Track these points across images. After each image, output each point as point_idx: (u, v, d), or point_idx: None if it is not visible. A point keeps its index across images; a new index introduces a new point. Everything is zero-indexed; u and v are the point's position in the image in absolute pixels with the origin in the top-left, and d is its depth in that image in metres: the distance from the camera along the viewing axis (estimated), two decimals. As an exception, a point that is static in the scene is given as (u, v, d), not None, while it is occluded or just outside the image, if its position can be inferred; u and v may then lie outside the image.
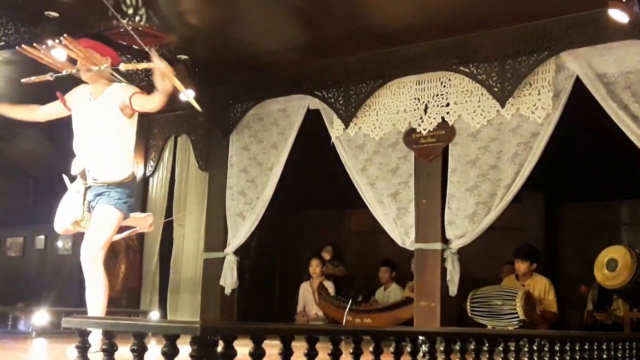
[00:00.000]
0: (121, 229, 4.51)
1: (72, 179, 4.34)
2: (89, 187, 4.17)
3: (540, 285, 6.91)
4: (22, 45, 4.31)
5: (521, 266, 6.87)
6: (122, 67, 4.21)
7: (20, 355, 4.16)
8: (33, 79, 4.26)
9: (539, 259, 7.09)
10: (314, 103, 7.44)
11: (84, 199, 4.17)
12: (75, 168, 4.26)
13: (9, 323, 6.96)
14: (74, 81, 4.40)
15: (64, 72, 4.23)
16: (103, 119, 4.17)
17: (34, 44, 4.32)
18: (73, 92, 4.38)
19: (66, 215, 4.23)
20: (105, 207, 4.13)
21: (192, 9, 6.34)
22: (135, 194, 8.85)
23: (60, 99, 4.35)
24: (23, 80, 4.31)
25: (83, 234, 4.23)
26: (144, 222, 4.84)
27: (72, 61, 4.25)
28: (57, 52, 6.07)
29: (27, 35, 6.14)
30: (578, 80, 6.08)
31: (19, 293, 9.52)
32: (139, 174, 8.88)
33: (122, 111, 4.17)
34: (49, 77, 4.23)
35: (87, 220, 4.19)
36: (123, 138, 4.23)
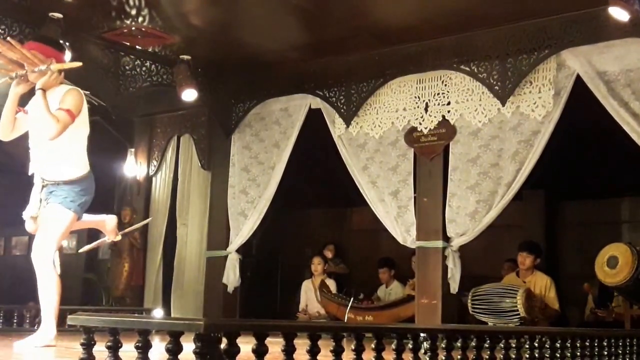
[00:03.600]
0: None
1: None
2: (45, 185, 4.24)
3: (541, 283, 6.93)
4: None
5: (526, 260, 6.88)
6: (53, 67, 4.20)
7: (25, 352, 4.19)
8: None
9: (542, 254, 7.12)
10: (316, 102, 7.47)
11: (40, 198, 4.25)
12: (30, 168, 4.34)
13: (15, 321, 7.00)
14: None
15: (15, 74, 4.23)
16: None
17: None
18: (31, 101, 4.38)
19: (26, 212, 4.32)
20: (53, 206, 4.20)
21: (194, 9, 6.37)
22: (139, 194, 8.96)
23: (23, 111, 4.37)
24: None
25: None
26: (104, 226, 4.77)
27: (21, 63, 4.24)
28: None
29: (32, 36, 6.17)
30: (579, 79, 6.10)
31: (24, 291, 9.55)
32: (142, 174, 8.93)
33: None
34: (9, 79, 4.25)
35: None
36: (70, 138, 4.19)
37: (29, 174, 4.35)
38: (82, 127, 4.30)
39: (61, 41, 4.89)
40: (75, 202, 4.24)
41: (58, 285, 4.21)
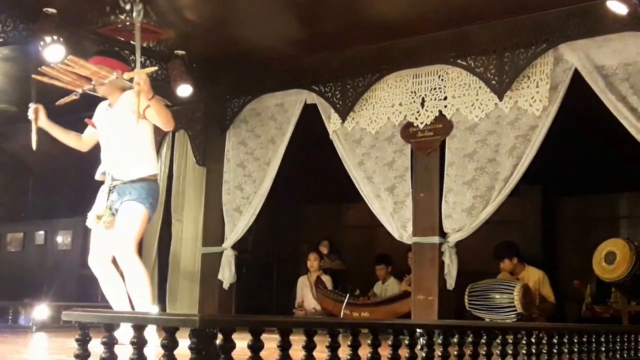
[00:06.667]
0: None
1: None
2: (114, 187, 4.43)
3: (535, 277, 6.95)
4: (41, 68, 4.47)
5: (502, 265, 7.02)
6: (126, 75, 4.42)
7: (21, 349, 4.18)
8: (62, 101, 4.56)
9: (514, 252, 7.15)
10: (311, 97, 7.44)
11: (108, 198, 4.44)
12: (98, 173, 4.60)
13: (10, 317, 6.98)
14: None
15: (82, 90, 4.50)
16: (119, 124, 4.46)
17: (52, 65, 4.49)
18: (96, 112, 4.74)
19: (92, 210, 4.50)
20: (129, 204, 4.38)
21: (189, 4, 6.33)
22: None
23: (90, 123, 4.72)
24: (57, 102, 4.59)
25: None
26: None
27: (88, 78, 4.48)
28: (56, 49, 6.12)
29: (26, 32, 6.15)
30: (576, 73, 6.08)
31: (19, 288, 9.54)
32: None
33: (138, 115, 4.38)
34: (74, 96, 4.53)
35: (107, 217, 4.41)
36: (139, 138, 4.45)
37: (96, 178, 4.59)
38: (147, 127, 4.51)
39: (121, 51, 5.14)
40: (149, 200, 4.43)
41: (148, 280, 4.40)
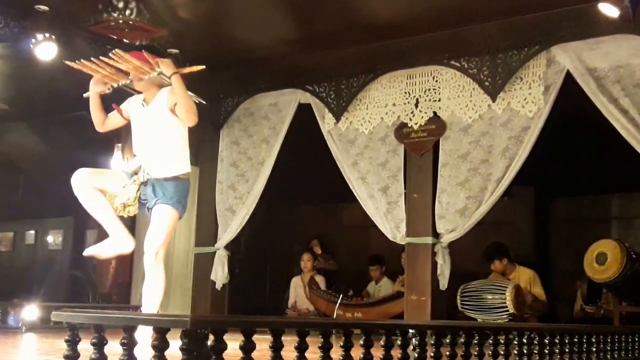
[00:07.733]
0: None
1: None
2: (146, 181, 4.47)
3: (525, 277, 6.97)
4: (79, 61, 4.51)
5: (493, 267, 7.06)
6: (184, 71, 4.58)
7: (10, 350, 4.15)
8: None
9: (504, 253, 7.18)
10: (305, 97, 7.42)
11: (138, 190, 4.48)
12: (131, 167, 4.68)
13: (-1, 317, 6.93)
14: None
15: (118, 84, 4.57)
16: (156, 121, 4.51)
17: (92, 58, 4.51)
18: (128, 102, 4.76)
19: (119, 196, 4.51)
20: (162, 207, 4.43)
21: (183, 2, 6.31)
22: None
23: (117, 110, 4.73)
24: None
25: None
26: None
27: (125, 72, 4.52)
28: (47, 47, 6.11)
29: (17, 29, 6.11)
30: (568, 75, 6.10)
31: (8, 288, 9.49)
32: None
33: (172, 112, 4.49)
34: (107, 90, 4.61)
35: (133, 208, 4.48)
36: (175, 136, 4.53)
37: (130, 174, 4.61)
38: (182, 125, 4.56)
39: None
40: (181, 202, 4.49)
41: (164, 284, 4.57)
